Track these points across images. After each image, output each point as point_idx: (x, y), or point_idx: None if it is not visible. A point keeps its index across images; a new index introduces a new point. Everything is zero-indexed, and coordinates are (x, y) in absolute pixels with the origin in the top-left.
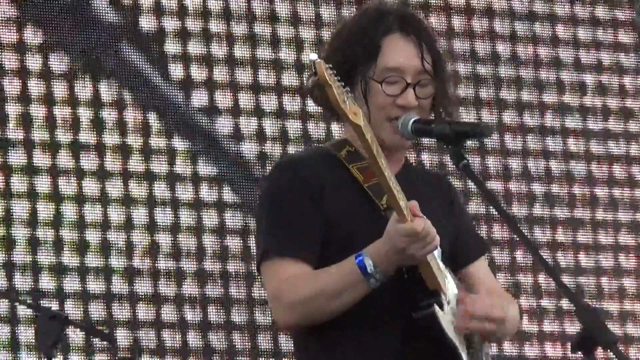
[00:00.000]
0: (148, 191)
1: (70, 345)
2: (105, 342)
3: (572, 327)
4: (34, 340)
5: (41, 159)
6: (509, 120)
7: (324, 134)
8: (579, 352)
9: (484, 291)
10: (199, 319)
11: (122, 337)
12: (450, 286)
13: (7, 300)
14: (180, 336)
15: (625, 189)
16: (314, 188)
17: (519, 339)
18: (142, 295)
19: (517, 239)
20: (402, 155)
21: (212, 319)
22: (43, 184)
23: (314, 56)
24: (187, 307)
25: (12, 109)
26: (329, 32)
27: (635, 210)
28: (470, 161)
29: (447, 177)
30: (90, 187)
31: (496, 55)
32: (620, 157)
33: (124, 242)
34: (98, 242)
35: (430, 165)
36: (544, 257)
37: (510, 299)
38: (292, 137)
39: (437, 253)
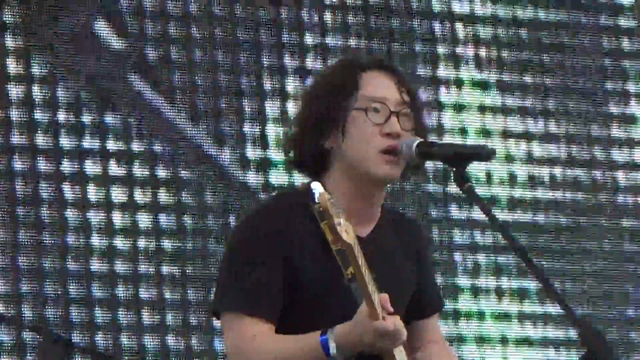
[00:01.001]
0: (153, 222)
1: None
2: None
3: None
4: None
5: (47, 189)
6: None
7: None
8: None
9: None
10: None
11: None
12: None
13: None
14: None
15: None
16: (283, 246)
17: None
18: (148, 324)
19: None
20: (382, 199)
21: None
22: (49, 214)
23: (317, 185)
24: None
25: (17, 139)
26: (333, 40)
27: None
28: (473, 184)
29: (419, 225)
30: (97, 218)
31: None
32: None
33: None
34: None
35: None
36: (548, 280)
37: (452, 355)
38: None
39: None
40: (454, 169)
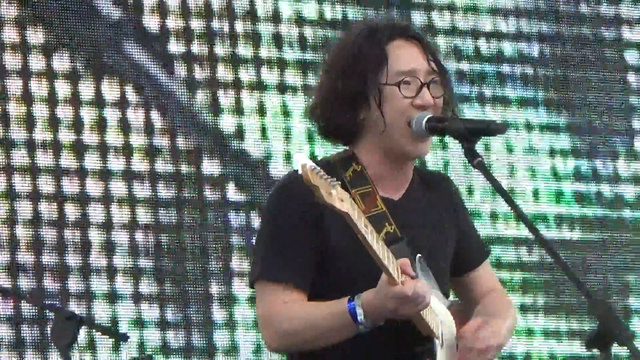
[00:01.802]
0: (152, 191)
1: (81, 344)
2: (121, 342)
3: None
4: (39, 340)
5: (44, 158)
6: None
7: None
8: (595, 349)
9: (480, 321)
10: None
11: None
12: (445, 320)
13: (23, 302)
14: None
15: None
16: (314, 214)
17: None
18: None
19: (527, 234)
20: (411, 167)
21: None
22: (46, 184)
23: (300, 157)
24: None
25: (14, 109)
26: (334, 32)
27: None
28: (483, 158)
29: (450, 179)
30: (94, 187)
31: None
32: None
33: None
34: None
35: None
36: (557, 252)
37: (508, 307)
38: (295, 135)
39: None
40: (465, 144)
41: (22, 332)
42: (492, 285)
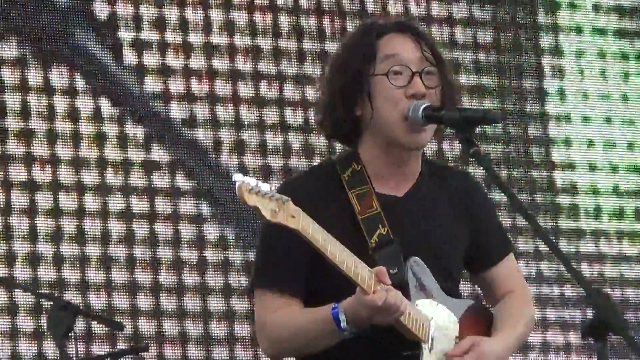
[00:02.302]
0: (100, 179)
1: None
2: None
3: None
4: (33, 330)
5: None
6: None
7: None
8: (590, 338)
9: (469, 343)
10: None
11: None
12: (441, 322)
13: (19, 290)
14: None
15: None
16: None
17: None
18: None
19: (525, 224)
20: (418, 158)
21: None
22: None
23: (237, 177)
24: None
25: None
26: (296, 21)
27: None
28: (480, 147)
29: (472, 176)
30: (42, 175)
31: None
32: None
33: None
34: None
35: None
36: (553, 242)
37: (519, 317)
38: (247, 124)
39: (431, 284)
40: (461, 133)
41: (17, 321)
42: (513, 284)
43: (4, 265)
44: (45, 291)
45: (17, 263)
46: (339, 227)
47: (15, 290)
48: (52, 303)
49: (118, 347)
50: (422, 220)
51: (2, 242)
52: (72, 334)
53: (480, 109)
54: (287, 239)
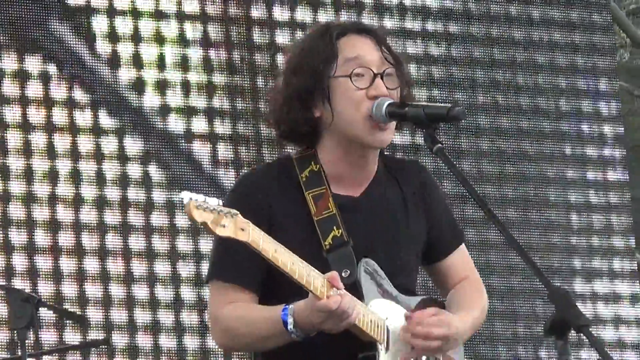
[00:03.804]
0: (72, 169)
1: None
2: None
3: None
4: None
5: None
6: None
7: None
8: (552, 336)
9: (432, 310)
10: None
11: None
12: (396, 322)
13: None
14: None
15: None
16: (263, 217)
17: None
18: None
19: (489, 220)
20: (376, 158)
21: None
22: None
23: (185, 195)
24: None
25: None
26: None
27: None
28: (443, 144)
29: (421, 165)
30: (17, 164)
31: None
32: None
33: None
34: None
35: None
36: (516, 238)
37: (474, 299)
38: (220, 112)
39: (386, 285)
40: (425, 130)
41: None
42: (465, 272)
43: None
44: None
45: None
46: (294, 228)
47: None
48: (12, 295)
49: (79, 336)
50: (377, 220)
51: None
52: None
53: (443, 105)
54: None
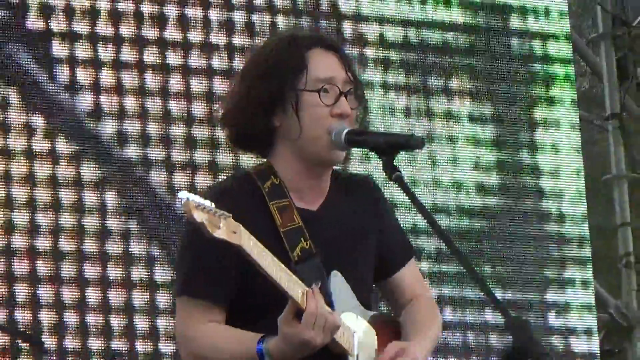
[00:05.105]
0: (30, 195)
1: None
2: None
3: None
4: None
5: None
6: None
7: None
8: None
9: (397, 347)
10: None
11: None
12: (363, 337)
13: None
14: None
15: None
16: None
17: None
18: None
19: (446, 250)
20: (329, 174)
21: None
22: None
23: (183, 194)
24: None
25: None
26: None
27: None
28: (402, 173)
29: (372, 180)
30: None
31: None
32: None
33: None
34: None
35: None
36: (474, 269)
37: (432, 318)
38: (177, 141)
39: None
40: (384, 158)
41: None
42: (418, 289)
43: None
44: None
45: None
46: (262, 239)
47: None
48: None
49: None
50: (337, 233)
51: None
52: None
53: (403, 134)
54: (216, 247)
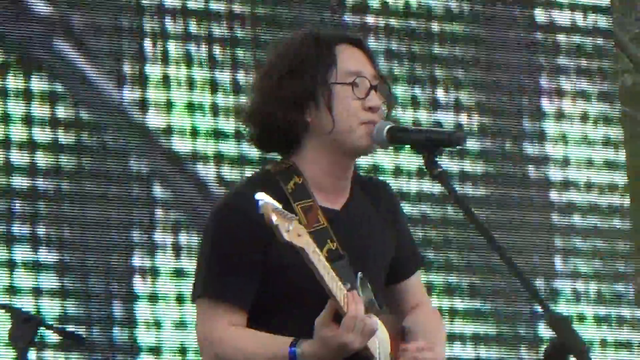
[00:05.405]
0: (79, 187)
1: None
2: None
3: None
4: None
5: None
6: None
7: None
8: None
9: (424, 343)
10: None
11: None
12: (381, 336)
13: None
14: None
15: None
16: (259, 231)
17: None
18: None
19: (490, 246)
20: (352, 171)
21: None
22: None
23: (261, 196)
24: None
25: None
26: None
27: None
28: (445, 169)
29: (388, 185)
30: (21, 184)
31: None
32: None
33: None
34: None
35: None
36: (514, 262)
37: (440, 326)
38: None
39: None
40: (425, 154)
41: None
42: (421, 297)
43: None
44: (6, 302)
45: None
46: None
47: None
48: (13, 315)
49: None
50: (361, 234)
51: None
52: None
53: (444, 130)
54: (241, 248)
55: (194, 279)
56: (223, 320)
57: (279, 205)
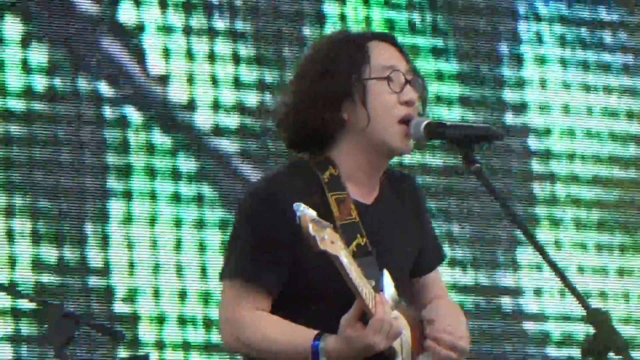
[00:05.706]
0: (127, 186)
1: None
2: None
3: None
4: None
5: (18, 153)
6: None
7: None
8: (590, 358)
9: (451, 319)
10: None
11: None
12: (405, 330)
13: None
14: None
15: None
16: (291, 221)
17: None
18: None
19: (527, 239)
20: (386, 166)
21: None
22: (21, 177)
23: (299, 206)
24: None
25: None
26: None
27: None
28: (481, 165)
29: (414, 179)
30: (68, 181)
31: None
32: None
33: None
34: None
35: None
36: (553, 260)
37: (461, 314)
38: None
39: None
40: (462, 150)
41: (20, 326)
42: (440, 291)
43: (8, 269)
44: (47, 299)
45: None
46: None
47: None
48: (52, 311)
49: (118, 353)
50: (389, 230)
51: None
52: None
53: (481, 126)
54: (276, 234)
55: (225, 257)
56: (250, 303)
57: (315, 215)
